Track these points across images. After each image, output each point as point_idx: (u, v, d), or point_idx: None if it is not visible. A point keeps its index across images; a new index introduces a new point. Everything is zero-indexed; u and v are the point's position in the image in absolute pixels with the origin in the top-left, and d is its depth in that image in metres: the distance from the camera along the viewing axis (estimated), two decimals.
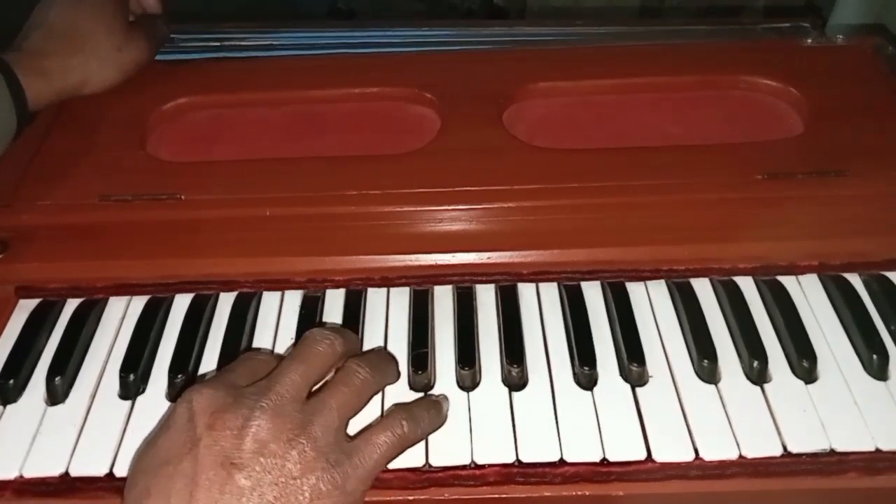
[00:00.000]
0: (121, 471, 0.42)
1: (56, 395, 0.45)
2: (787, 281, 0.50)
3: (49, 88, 0.59)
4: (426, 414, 0.42)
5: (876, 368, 0.45)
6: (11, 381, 0.46)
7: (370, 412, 0.43)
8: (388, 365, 0.45)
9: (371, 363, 0.43)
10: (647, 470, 0.41)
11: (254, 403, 0.38)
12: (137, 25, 0.65)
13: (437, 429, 0.43)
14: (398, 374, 0.46)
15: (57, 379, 0.46)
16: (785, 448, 0.42)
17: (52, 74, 0.59)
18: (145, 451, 0.39)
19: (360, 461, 0.39)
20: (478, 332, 0.48)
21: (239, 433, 0.37)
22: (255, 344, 0.48)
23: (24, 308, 0.50)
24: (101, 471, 0.42)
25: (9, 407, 0.45)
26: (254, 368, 0.42)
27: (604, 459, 0.42)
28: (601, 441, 0.42)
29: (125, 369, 0.46)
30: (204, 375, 0.46)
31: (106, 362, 0.48)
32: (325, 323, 0.49)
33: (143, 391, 0.46)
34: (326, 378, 0.42)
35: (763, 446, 0.42)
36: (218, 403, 0.38)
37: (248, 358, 0.43)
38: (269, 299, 0.51)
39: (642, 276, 0.51)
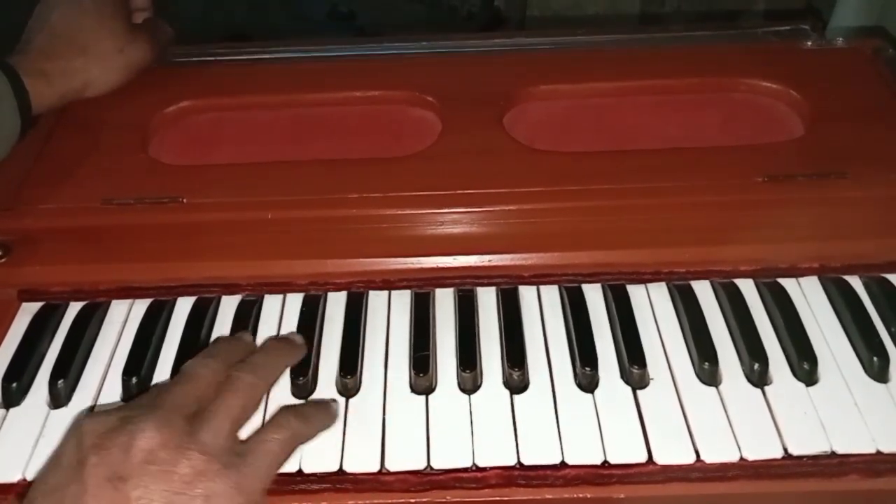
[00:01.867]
0: None
1: (59, 399, 0.46)
2: (788, 283, 0.50)
3: (52, 91, 0.59)
4: (315, 412, 0.43)
5: (876, 370, 0.45)
6: (14, 385, 0.46)
7: (372, 404, 0.44)
8: (277, 357, 0.45)
9: (254, 366, 0.43)
10: (648, 472, 0.41)
11: (138, 419, 0.38)
12: (139, 27, 0.65)
13: (327, 427, 0.43)
14: (303, 350, 0.46)
15: (60, 382, 0.46)
16: (786, 450, 0.42)
17: (55, 77, 0.59)
18: (34, 486, 0.38)
19: (254, 461, 0.39)
20: (479, 335, 0.48)
21: (126, 447, 0.37)
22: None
23: (27, 311, 0.51)
24: None
25: (12, 410, 0.45)
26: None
27: (605, 462, 0.42)
28: (602, 443, 0.42)
29: (127, 372, 0.46)
30: None
31: (108, 365, 0.48)
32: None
33: None
34: None
35: (764, 448, 0.42)
36: (105, 426, 0.38)
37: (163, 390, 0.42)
38: (271, 302, 0.51)
39: (643, 278, 0.51)
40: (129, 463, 0.36)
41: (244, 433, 0.41)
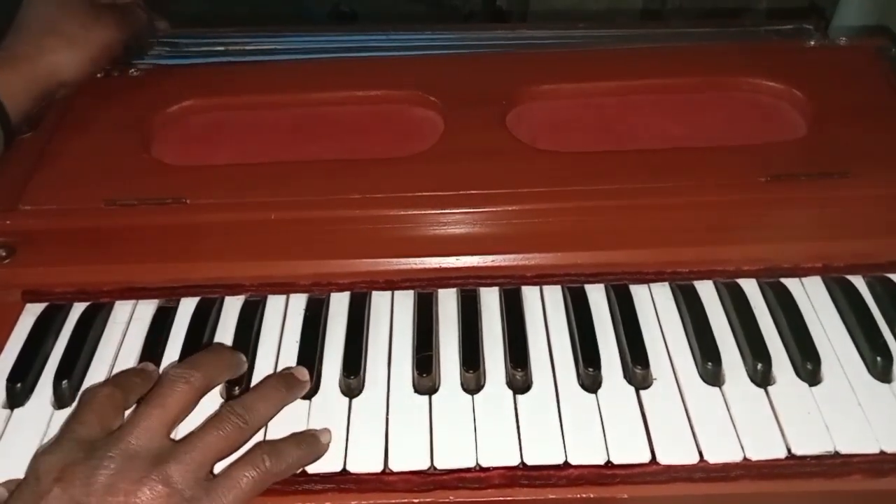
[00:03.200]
0: None
1: (63, 399, 0.46)
2: (791, 283, 0.50)
3: (19, 77, 0.59)
4: (293, 449, 0.41)
5: (880, 370, 0.45)
6: (19, 385, 0.46)
7: (375, 404, 0.43)
8: (274, 402, 0.44)
9: (247, 408, 0.42)
10: (651, 472, 0.41)
11: (104, 454, 0.38)
12: (105, 7, 0.65)
13: (313, 460, 0.42)
14: (305, 387, 0.45)
15: (64, 383, 0.46)
16: (789, 450, 0.42)
17: (20, 62, 0.60)
18: None
19: (219, 496, 0.38)
20: (482, 335, 0.48)
21: (88, 480, 0.37)
22: (260, 348, 0.48)
23: (31, 312, 0.51)
24: None
25: (16, 411, 0.46)
26: (100, 411, 0.41)
27: (608, 462, 0.42)
28: (605, 443, 0.42)
29: None
30: None
31: (112, 366, 0.48)
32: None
33: None
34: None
35: (767, 448, 0.42)
36: (67, 460, 0.38)
37: (91, 398, 0.42)
38: (274, 303, 0.51)
39: (646, 278, 0.51)
40: (90, 493, 0.37)
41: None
